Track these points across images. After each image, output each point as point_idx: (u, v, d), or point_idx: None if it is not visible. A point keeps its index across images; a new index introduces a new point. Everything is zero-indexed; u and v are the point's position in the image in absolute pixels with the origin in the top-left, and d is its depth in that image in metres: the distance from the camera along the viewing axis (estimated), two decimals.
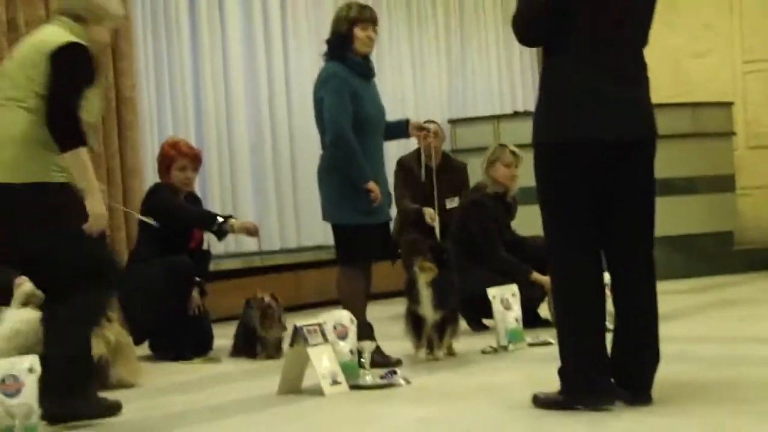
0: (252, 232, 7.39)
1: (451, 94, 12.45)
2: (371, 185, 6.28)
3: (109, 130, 9.09)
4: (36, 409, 4.57)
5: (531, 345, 6.71)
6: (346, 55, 6.38)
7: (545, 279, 7.06)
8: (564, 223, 4.71)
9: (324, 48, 6.53)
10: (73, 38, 5.03)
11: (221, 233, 7.15)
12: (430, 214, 7.92)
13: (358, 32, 6.36)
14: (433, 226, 7.48)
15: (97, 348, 5.95)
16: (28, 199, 4.91)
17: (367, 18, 6.42)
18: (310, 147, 9.41)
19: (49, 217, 4.90)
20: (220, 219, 7.11)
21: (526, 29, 4.77)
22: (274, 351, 6.86)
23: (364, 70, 6.46)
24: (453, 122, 11.89)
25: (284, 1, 10.85)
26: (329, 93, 6.33)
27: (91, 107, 5.13)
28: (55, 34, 5.09)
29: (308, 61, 10.70)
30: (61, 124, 4.93)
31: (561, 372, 4.61)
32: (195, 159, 7.46)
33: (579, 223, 4.67)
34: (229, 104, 10.19)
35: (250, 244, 9.35)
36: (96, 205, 5.02)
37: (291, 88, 10.74)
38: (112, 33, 6.24)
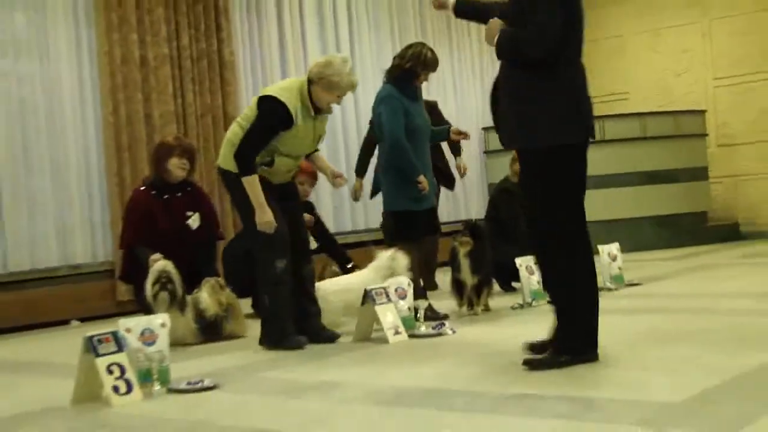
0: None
1: (484, 105, 12.40)
2: (421, 178, 6.33)
3: (214, 87, 9.24)
4: (167, 354, 4.64)
5: (549, 302, 6.69)
6: (403, 86, 6.44)
7: None
8: (578, 214, 4.39)
9: (383, 67, 6.65)
10: (274, 92, 5.52)
11: None
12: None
13: (422, 76, 6.50)
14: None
15: (213, 308, 6.06)
16: (230, 180, 5.60)
17: (434, 69, 6.55)
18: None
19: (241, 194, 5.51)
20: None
21: (552, 42, 4.21)
22: None
23: (413, 94, 6.50)
24: (486, 129, 11.88)
25: (352, 29, 10.91)
26: (386, 110, 6.38)
27: (288, 143, 5.57)
28: (275, 85, 5.81)
29: (371, 78, 10.69)
30: (236, 157, 5.49)
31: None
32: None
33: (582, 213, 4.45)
34: None
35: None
36: (261, 215, 5.45)
37: (360, 104, 10.76)
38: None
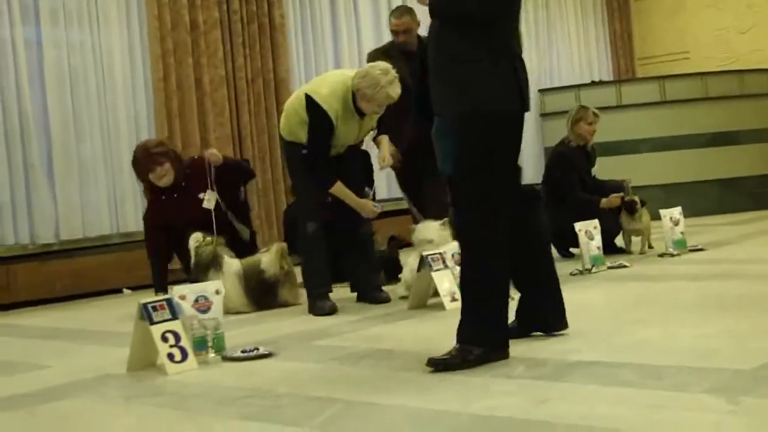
0: None
1: (540, 69, 12.34)
2: None
3: (264, 50, 9.24)
4: (222, 321, 4.65)
5: (610, 268, 6.65)
6: None
7: (612, 200, 7.37)
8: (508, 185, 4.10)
9: None
10: (320, 98, 5.61)
11: None
12: None
13: None
14: None
15: (274, 269, 6.09)
16: (285, 148, 6.02)
17: None
18: None
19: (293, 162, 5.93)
20: None
21: (494, 6, 3.97)
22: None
23: None
24: (542, 91, 11.78)
25: None
26: None
27: (339, 138, 5.77)
28: (324, 84, 5.82)
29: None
30: (310, 174, 5.80)
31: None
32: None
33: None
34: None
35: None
36: (360, 209, 5.85)
37: None
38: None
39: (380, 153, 6.12)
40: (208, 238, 6.20)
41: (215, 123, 8.76)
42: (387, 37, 10.11)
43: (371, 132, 6.10)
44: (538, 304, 4.33)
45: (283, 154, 6.24)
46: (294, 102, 5.84)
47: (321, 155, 5.73)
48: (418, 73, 4.51)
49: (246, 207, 7.06)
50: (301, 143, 5.77)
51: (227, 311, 5.14)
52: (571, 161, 7.61)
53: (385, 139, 6.14)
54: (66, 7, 8.17)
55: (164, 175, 6.41)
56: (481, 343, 3.95)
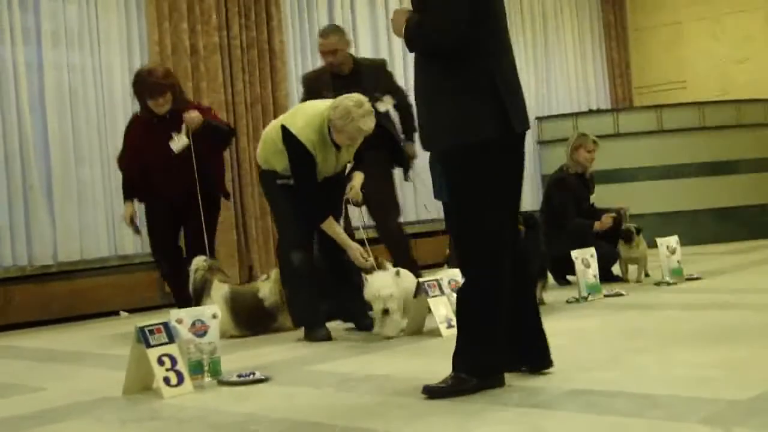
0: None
1: (538, 97, 12.38)
2: None
3: (264, 76, 9.28)
4: (218, 345, 4.65)
5: (606, 296, 6.65)
6: None
7: (605, 221, 7.45)
8: (505, 215, 4.03)
9: None
10: (296, 130, 5.55)
11: None
12: None
13: None
14: None
15: (273, 297, 6.09)
16: (261, 177, 5.98)
17: None
18: None
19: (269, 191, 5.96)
20: None
21: (461, 28, 3.83)
22: None
23: None
24: (539, 119, 11.80)
25: None
26: None
27: (322, 168, 5.66)
28: (299, 116, 5.72)
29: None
30: (300, 212, 5.71)
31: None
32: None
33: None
34: None
35: None
36: (349, 246, 5.66)
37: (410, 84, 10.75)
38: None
39: (350, 184, 5.98)
40: (205, 263, 6.22)
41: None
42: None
43: (348, 164, 5.96)
44: (524, 339, 4.22)
45: (261, 184, 6.17)
46: (271, 132, 5.79)
47: (309, 187, 5.63)
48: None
49: (221, 170, 6.95)
50: (275, 172, 5.75)
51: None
52: (569, 188, 7.64)
53: (358, 174, 6.00)
54: (67, 30, 8.22)
55: (164, 105, 6.43)
56: (476, 372, 3.94)
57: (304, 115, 5.67)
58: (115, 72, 8.46)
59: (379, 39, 10.62)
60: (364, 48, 10.38)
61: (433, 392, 3.89)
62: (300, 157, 5.57)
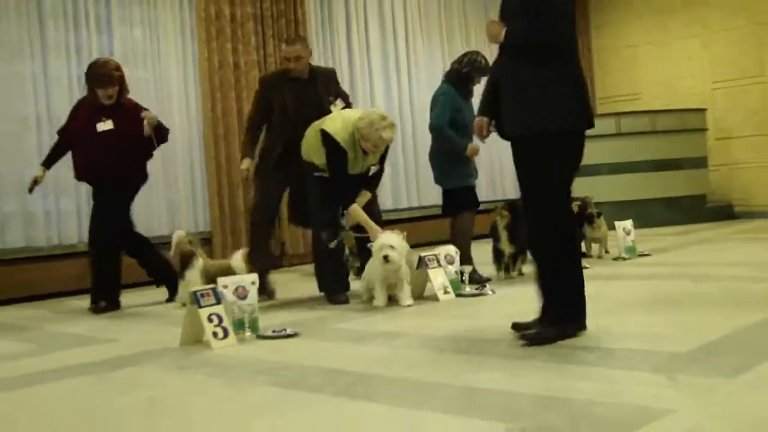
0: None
1: None
2: (469, 150, 6.26)
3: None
4: (257, 306, 4.67)
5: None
6: (460, 86, 6.38)
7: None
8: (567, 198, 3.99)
9: (436, 70, 6.50)
10: (332, 131, 5.53)
11: None
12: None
13: (476, 80, 6.41)
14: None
15: (242, 270, 5.86)
16: (306, 170, 5.80)
17: (486, 74, 6.23)
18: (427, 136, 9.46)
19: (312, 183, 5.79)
20: None
21: (569, 32, 3.86)
22: None
23: (467, 94, 6.44)
24: None
25: (408, 42, 10.86)
26: (439, 104, 6.33)
27: (351, 164, 5.62)
28: (338, 119, 5.65)
29: (424, 79, 10.73)
30: (334, 199, 5.64)
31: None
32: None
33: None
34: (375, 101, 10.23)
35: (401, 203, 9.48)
36: (372, 228, 5.50)
37: (414, 101, 10.75)
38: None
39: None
40: (187, 237, 6.14)
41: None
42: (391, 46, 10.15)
43: (372, 167, 5.78)
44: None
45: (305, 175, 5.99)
46: (311, 133, 5.72)
47: (341, 175, 5.58)
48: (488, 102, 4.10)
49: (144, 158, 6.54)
50: (314, 165, 5.70)
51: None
52: None
53: (366, 194, 5.76)
54: (134, 50, 8.24)
55: (111, 96, 6.21)
56: (566, 322, 3.90)
57: (341, 121, 5.62)
58: (173, 85, 8.49)
59: (388, 58, 10.57)
60: (376, 68, 10.37)
61: (533, 339, 3.81)
62: (335, 152, 5.54)
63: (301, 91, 6.08)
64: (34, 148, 7.46)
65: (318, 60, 9.71)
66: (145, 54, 8.32)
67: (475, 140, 5.45)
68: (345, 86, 9.90)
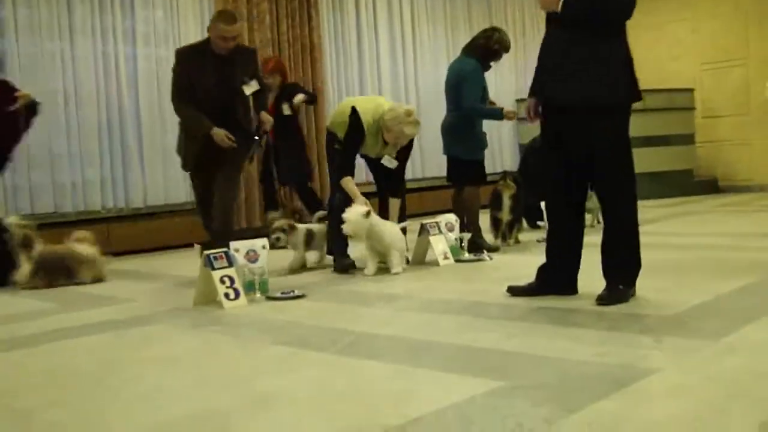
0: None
1: (518, 85, 12.09)
2: (508, 109, 6.13)
3: (305, 65, 9.09)
4: (266, 270, 4.61)
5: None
6: (485, 62, 6.18)
7: None
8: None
9: (440, 49, 6.34)
10: (360, 108, 5.41)
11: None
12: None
13: (501, 57, 6.27)
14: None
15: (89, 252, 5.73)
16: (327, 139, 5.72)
17: (508, 52, 6.32)
18: (430, 113, 9.38)
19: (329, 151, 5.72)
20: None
21: (631, 9, 3.74)
22: None
23: (487, 69, 6.25)
24: (519, 100, 11.60)
25: (414, 27, 10.73)
26: (472, 81, 6.05)
27: (364, 148, 5.50)
28: (370, 100, 5.60)
29: (428, 63, 10.62)
30: (338, 166, 5.47)
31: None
32: None
33: None
34: (382, 93, 10.14)
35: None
36: (356, 197, 5.25)
37: (419, 81, 10.64)
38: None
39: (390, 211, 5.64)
40: (21, 222, 5.74)
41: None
42: (401, 48, 10.04)
43: (393, 162, 5.56)
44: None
45: (326, 142, 5.83)
46: (343, 107, 5.59)
47: (349, 154, 5.45)
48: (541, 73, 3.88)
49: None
50: (336, 136, 5.57)
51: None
52: (541, 154, 7.50)
53: (396, 203, 5.61)
54: (156, 30, 8.16)
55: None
56: (632, 283, 3.83)
57: (373, 106, 5.47)
58: None
59: (395, 39, 10.45)
60: (384, 47, 10.25)
61: (604, 300, 3.69)
62: (354, 131, 5.42)
63: (220, 67, 5.45)
64: (63, 122, 7.48)
65: (328, 38, 9.60)
66: (166, 34, 8.23)
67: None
68: (354, 65, 9.88)
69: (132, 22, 8.02)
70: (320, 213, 6.19)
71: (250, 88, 5.58)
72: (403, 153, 5.62)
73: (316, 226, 5.85)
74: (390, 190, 5.68)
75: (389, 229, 5.26)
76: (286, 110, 7.52)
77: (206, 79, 5.43)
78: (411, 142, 5.61)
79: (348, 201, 5.35)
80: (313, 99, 7.92)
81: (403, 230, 5.52)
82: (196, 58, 5.47)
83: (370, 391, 2.55)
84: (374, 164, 5.72)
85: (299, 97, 7.56)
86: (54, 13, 7.50)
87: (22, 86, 7.22)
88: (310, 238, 5.73)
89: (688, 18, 12.19)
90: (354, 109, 5.46)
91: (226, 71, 5.46)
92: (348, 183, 5.39)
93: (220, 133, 5.37)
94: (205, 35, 8.44)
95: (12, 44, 7.21)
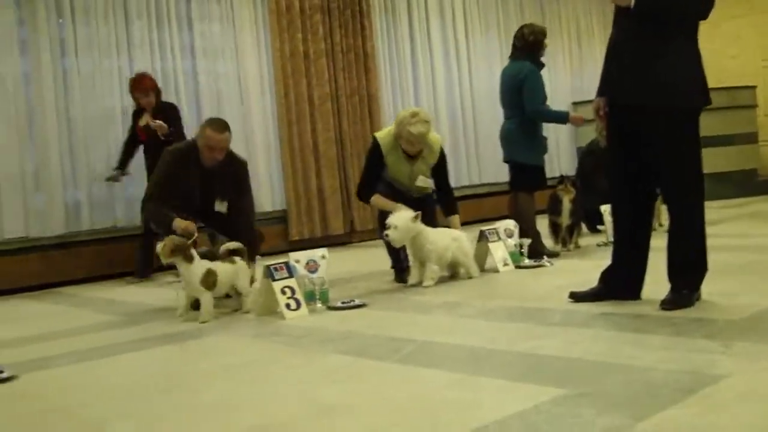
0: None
1: (573, 85, 11.97)
2: (574, 114, 6.10)
3: (359, 74, 9.13)
4: (326, 279, 4.64)
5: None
6: (536, 58, 6.06)
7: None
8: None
9: (493, 55, 6.29)
10: (380, 135, 5.43)
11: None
12: None
13: (544, 45, 6.13)
14: None
15: None
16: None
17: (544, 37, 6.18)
18: (485, 119, 9.35)
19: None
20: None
21: (710, 7, 3.60)
22: None
23: (542, 67, 6.14)
24: (575, 104, 11.49)
25: (467, 33, 10.69)
26: (533, 83, 5.95)
27: (390, 172, 5.41)
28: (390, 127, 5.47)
29: (482, 68, 10.58)
30: (358, 187, 5.52)
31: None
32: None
33: None
34: (437, 100, 10.14)
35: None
36: (393, 207, 5.14)
37: (474, 87, 10.61)
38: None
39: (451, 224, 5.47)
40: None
41: (322, 129, 8.78)
42: (456, 64, 10.00)
43: (428, 181, 5.43)
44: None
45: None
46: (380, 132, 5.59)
47: (368, 173, 5.40)
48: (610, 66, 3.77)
49: None
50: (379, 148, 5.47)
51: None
52: (598, 157, 7.43)
53: (455, 218, 5.51)
54: (213, 44, 8.30)
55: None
56: (697, 288, 3.74)
57: (394, 125, 5.41)
58: (249, 74, 8.52)
59: (448, 42, 10.44)
60: (437, 52, 10.24)
61: (669, 304, 3.62)
62: (371, 151, 5.40)
63: (206, 180, 5.07)
64: (119, 138, 7.50)
65: (381, 47, 9.60)
66: (223, 48, 8.36)
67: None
68: (408, 73, 9.84)
69: (190, 37, 8.16)
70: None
71: (221, 206, 5.18)
72: (438, 170, 5.49)
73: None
74: (445, 209, 5.56)
75: (434, 237, 5.10)
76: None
77: (189, 189, 5.03)
78: (443, 157, 5.49)
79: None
80: (169, 136, 6.77)
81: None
82: (183, 164, 5.01)
83: (432, 400, 2.54)
84: (409, 200, 5.40)
85: (157, 123, 6.83)
86: (112, 28, 7.65)
87: (84, 104, 7.45)
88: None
89: (747, 14, 11.94)
90: (373, 137, 5.47)
91: (211, 183, 5.08)
92: (378, 199, 5.32)
93: (181, 225, 4.75)
94: (261, 49, 8.57)
95: (72, 62, 7.40)
